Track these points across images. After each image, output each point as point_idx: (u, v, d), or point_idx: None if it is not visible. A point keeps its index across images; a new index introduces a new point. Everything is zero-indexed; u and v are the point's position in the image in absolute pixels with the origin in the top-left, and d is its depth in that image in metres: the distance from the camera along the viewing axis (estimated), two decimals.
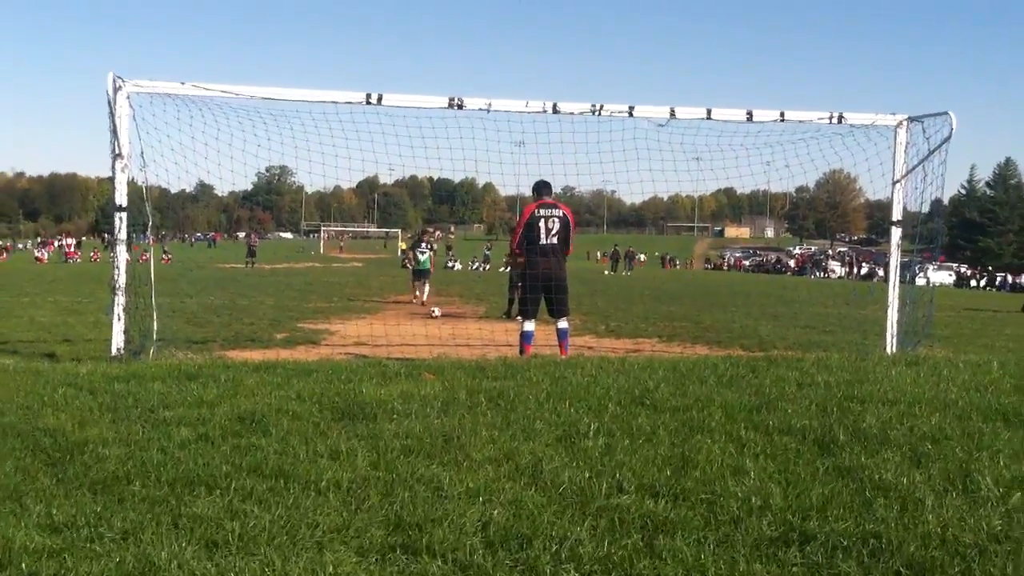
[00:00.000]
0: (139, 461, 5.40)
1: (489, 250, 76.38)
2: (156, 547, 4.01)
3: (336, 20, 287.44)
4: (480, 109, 11.71)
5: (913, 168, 12.72)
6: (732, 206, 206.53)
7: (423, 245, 26.02)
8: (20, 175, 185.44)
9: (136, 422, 6.48)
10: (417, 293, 25.18)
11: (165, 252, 66.70)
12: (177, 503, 4.63)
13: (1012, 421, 6.68)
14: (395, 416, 6.67)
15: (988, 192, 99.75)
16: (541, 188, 12.13)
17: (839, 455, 5.65)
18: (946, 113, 12.14)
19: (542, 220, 11.81)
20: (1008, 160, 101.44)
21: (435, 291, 22.25)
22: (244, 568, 3.79)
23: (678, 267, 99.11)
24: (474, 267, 68.42)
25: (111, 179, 11.23)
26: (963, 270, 76.45)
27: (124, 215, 11.08)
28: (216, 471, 5.16)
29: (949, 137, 12.11)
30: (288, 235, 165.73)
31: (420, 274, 25.49)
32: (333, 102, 11.54)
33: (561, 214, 11.92)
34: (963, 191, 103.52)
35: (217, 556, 3.97)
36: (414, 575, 3.82)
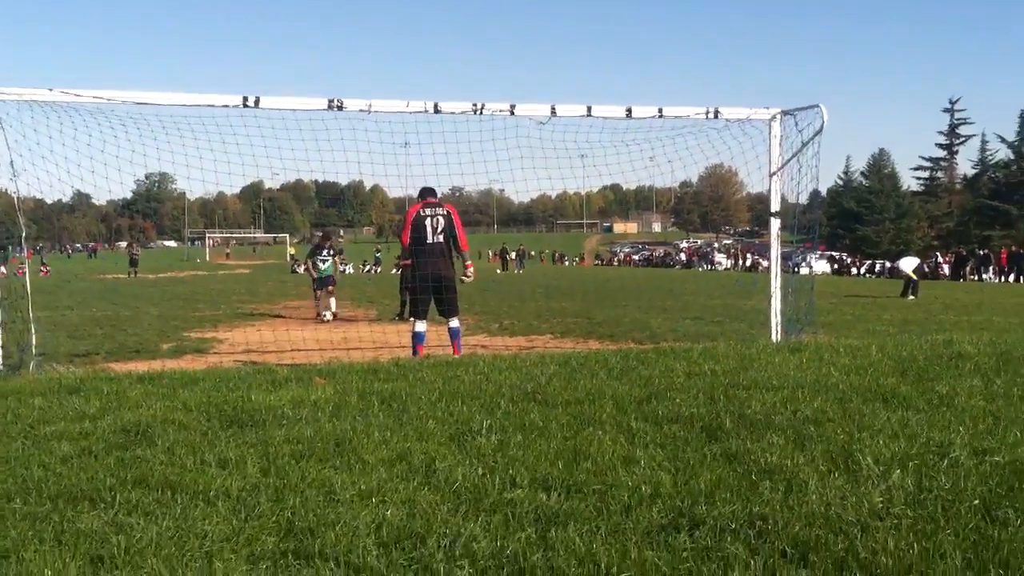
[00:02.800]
0: (19, 478, 5.22)
1: (379, 252, 75.96)
2: (39, 564, 3.88)
3: (212, 22, 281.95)
4: (361, 110, 11.63)
5: (788, 160, 13.06)
6: (619, 202, 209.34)
7: (324, 252, 22.88)
8: None
9: (16, 439, 6.27)
10: (322, 307, 22.04)
11: (43, 264, 64.69)
12: (60, 519, 4.49)
13: (891, 402, 6.91)
14: (285, 422, 6.58)
15: (864, 182, 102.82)
16: (424, 192, 12.19)
17: (726, 441, 5.78)
18: (817, 106, 12.49)
19: (427, 219, 11.82)
20: (882, 151, 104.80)
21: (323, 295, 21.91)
22: None
23: (569, 264, 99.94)
24: (365, 270, 67.94)
25: None
26: (844, 257, 78.68)
27: None
28: (100, 485, 5.02)
29: (821, 129, 12.45)
30: (172, 243, 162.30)
31: (323, 282, 22.35)
32: (210, 105, 11.32)
33: (445, 212, 11.94)
34: (840, 182, 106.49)
35: (102, 571, 3.87)
36: None
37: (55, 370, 10.39)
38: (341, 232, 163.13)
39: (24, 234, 11.28)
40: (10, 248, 11.59)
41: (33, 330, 10.99)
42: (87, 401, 7.51)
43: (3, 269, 10.28)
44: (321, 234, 25.20)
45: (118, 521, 4.45)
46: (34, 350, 10.94)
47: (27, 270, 11.70)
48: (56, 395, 7.87)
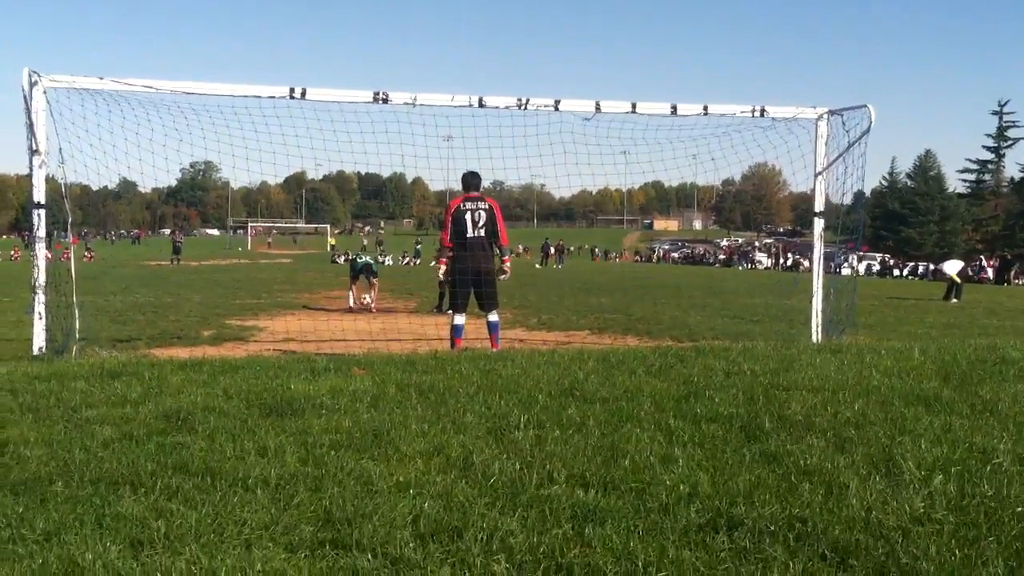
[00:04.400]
0: (61, 461, 5.29)
1: (419, 244, 76.17)
2: (80, 547, 3.93)
3: (261, 14, 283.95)
4: (406, 103, 11.66)
5: (834, 160, 12.95)
6: (660, 199, 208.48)
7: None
8: None
9: (58, 422, 6.35)
10: (359, 295, 22.22)
11: (88, 250, 65.47)
12: (101, 503, 4.54)
13: (933, 406, 6.82)
14: (324, 412, 6.62)
15: (909, 184, 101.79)
16: (468, 180, 12.14)
17: (765, 442, 5.73)
18: (865, 106, 12.36)
19: (468, 213, 11.82)
20: (928, 152, 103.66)
21: (364, 285, 21.99)
22: (170, 567, 3.73)
23: (613, 260, 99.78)
24: (404, 261, 68.19)
25: (29, 176, 10.99)
26: (887, 259, 77.93)
27: (43, 212, 10.85)
28: (141, 470, 5.07)
29: (868, 129, 12.32)
30: (215, 232, 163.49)
31: (366, 272, 22.21)
32: (256, 96, 11.38)
33: (487, 206, 11.93)
34: (885, 183, 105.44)
35: (143, 555, 3.90)
36: (344, 570, 3.79)
37: (98, 354, 10.51)
38: (382, 224, 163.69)
39: (70, 220, 11.40)
40: (56, 233, 11.69)
41: (77, 315, 11.12)
42: (129, 386, 7.59)
43: (49, 254, 10.37)
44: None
45: (158, 506, 4.49)
46: (77, 334, 11.07)
47: (72, 255, 11.83)
48: (98, 379, 7.96)
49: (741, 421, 6.28)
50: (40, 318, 10.81)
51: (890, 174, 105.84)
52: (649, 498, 4.61)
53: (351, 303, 21.70)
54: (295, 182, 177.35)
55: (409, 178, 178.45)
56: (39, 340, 10.79)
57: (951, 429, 6.04)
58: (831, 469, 5.06)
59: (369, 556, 3.90)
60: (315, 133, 12.33)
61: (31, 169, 10.81)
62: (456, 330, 11.92)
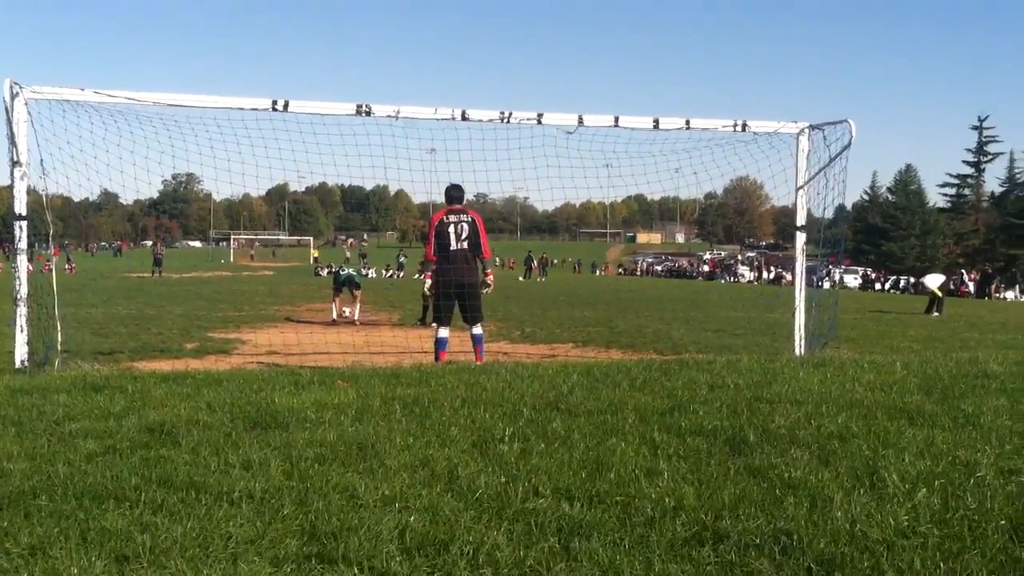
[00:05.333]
0: (45, 475, 5.26)
1: (403, 257, 76.13)
2: (65, 562, 3.91)
3: (243, 26, 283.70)
4: (389, 116, 11.66)
5: (815, 175, 13.00)
6: (643, 212, 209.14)
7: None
8: None
9: (41, 435, 6.31)
10: (341, 308, 22.25)
11: (69, 261, 65.15)
12: (85, 517, 4.51)
13: (916, 419, 6.86)
14: (308, 425, 6.60)
15: (890, 198, 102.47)
16: (451, 193, 12.16)
17: (750, 455, 5.75)
18: (846, 121, 12.43)
19: (451, 226, 11.85)
20: (908, 167, 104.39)
21: (347, 297, 21.96)
22: None
23: (599, 273, 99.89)
24: (388, 274, 68.11)
25: (10, 187, 10.93)
26: (868, 273, 78.34)
27: (24, 224, 10.79)
28: (125, 483, 5.05)
29: (849, 144, 12.39)
30: (197, 244, 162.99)
31: (350, 284, 22.36)
32: (239, 108, 11.36)
33: (469, 219, 11.96)
34: (866, 197, 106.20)
35: (128, 570, 3.89)
36: None
37: (80, 367, 10.44)
38: (365, 236, 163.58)
39: (51, 231, 11.34)
40: (37, 245, 11.63)
41: (59, 327, 11.05)
42: (112, 399, 7.56)
43: (30, 266, 10.31)
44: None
45: (143, 520, 4.47)
46: (59, 347, 11.00)
47: (53, 267, 11.77)
48: (81, 392, 7.92)
49: (725, 434, 6.29)
50: (21, 331, 10.73)
51: (871, 188, 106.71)
52: (635, 512, 4.62)
53: (334, 316, 21.68)
54: (278, 194, 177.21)
55: (392, 191, 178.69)
56: (20, 353, 10.72)
57: (934, 442, 6.06)
58: (816, 482, 5.08)
59: (355, 570, 3.90)
60: (298, 145, 12.30)
61: (12, 180, 10.74)
62: (440, 343, 11.91)
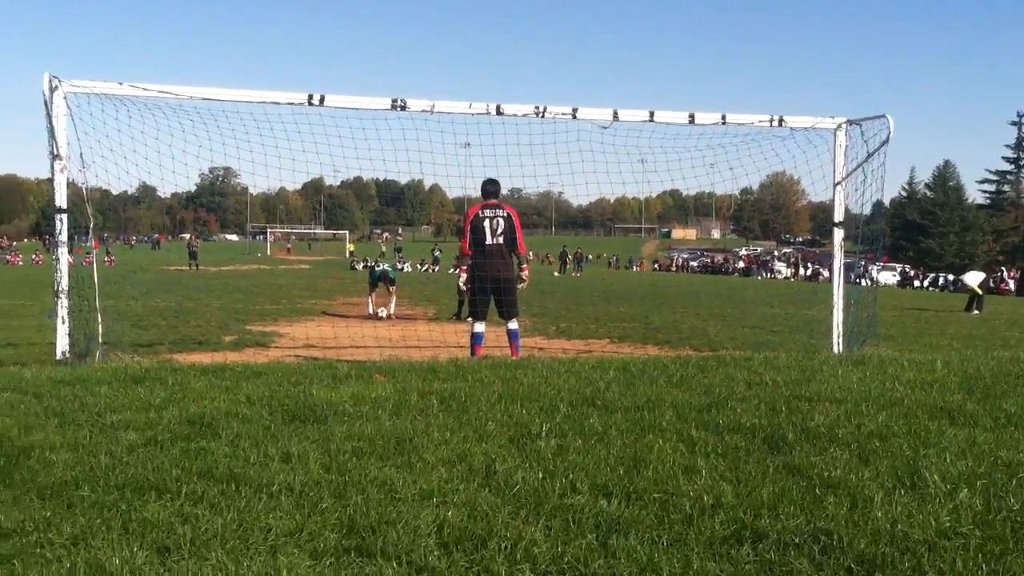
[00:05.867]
0: (87, 466, 5.32)
1: (438, 251, 76.29)
2: (107, 552, 3.95)
3: (279, 20, 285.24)
4: (423, 111, 11.70)
5: (853, 170, 12.91)
6: (678, 207, 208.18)
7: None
8: None
9: (83, 426, 6.38)
10: (377, 305, 21.99)
11: (108, 254, 65.78)
12: (127, 508, 4.56)
13: (957, 419, 6.78)
14: (346, 418, 6.63)
15: (928, 194, 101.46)
16: (487, 188, 12.16)
17: (788, 453, 5.71)
18: (884, 116, 12.33)
19: (486, 221, 11.85)
20: (947, 162, 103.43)
21: (383, 291, 22.02)
22: (197, 572, 3.75)
23: (635, 268, 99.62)
24: (423, 269, 68.27)
25: (51, 180, 11.06)
26: (907, 270, 77.59)
27: (64, 217, 10.91)
28: (166, 475, 5.10)
29: (887, 140, 12.29)
30: (234, 237, 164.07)
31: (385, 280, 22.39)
32: (275, 103, 11.47)
33: (505, 214, 11.95)
34: (904, 193, 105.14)
35: (169, 561, 3.93)
36: None
37: (120, 359, 10.56)
38: (400, 230, 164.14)
39: (92, 224, 11.46)
40: (77, 238, 11.77)
41: (99, 319, 11.17)
42: (152, 391, 7.63)
43: (71, 258, 10.43)
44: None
45: (184, 512, 4.51)
46: (100, 339, 11.12)
47: (94, 260, 11.91)
48: (122, 384, 8.00)
49: (764, 432, 6.26)
50: (63, 322, 10.87)
51: (909, 184, 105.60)
52: (673, 509, 4.61)
53: (370, 310, 21.74)
54: (313, 188, 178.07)
55: (427, 185, 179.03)
56: (62, 344, 10.86)
57: (975, 442, 6.00)
58: (856, 482, 5.04)
59: (393, 564, 3.91)
60: (333, 140, 12.37)
61: (52, 174, 10.88)
62: (476, 338, 11.93)
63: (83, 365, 9.91)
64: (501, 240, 11.88)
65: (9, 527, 4.30)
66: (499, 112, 11.83)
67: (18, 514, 4.48)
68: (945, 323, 23.99)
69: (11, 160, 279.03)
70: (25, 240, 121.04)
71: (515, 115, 11.94)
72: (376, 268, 23.20)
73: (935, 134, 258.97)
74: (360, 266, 59.14)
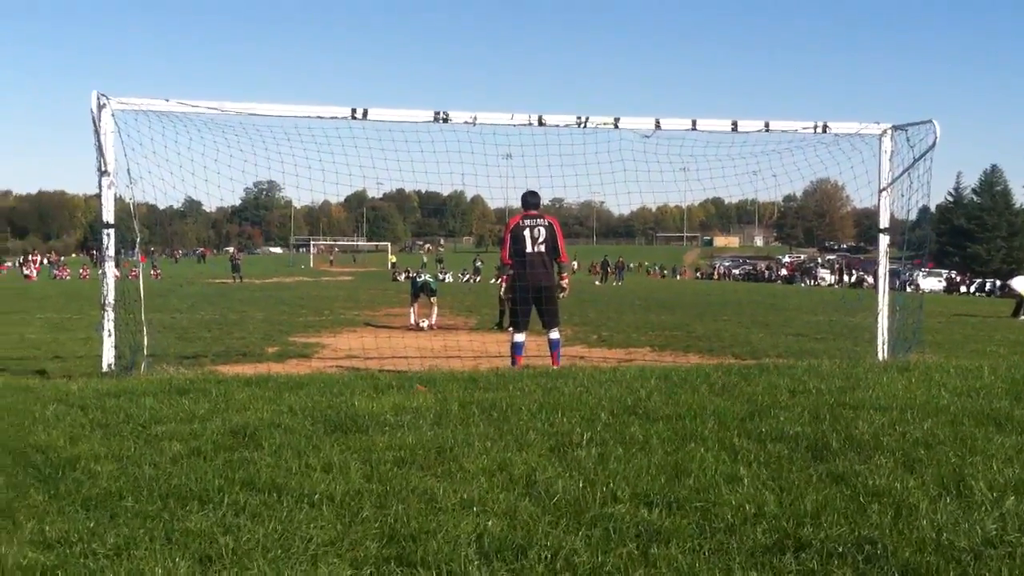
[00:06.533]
0: (131, 476, 5.38)
1: (480, 262, 76.37)
2: (150, 563, 3.99)
3: (322, 34, 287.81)
4: (466, 123, 11.74)
5: (899, 176, 12.77)
6: (720, 216, 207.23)
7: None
8: (7, 194, 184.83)
9: (128, 438, 6.46)
10: (420, 316, 21.89)
11: (154, 268, 66.51)
12: (170, 518, 4.60)
13: (1004, 426, 6.69)
14: (388, 428, 6.66)
15: (975, 199, 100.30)
16: (527, 199, 12.17)
17: (832, 462, 5.66)
18: (930, 121, 12.19)
19: (527, 230, 11.86)
20: (994, 167, 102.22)
21: (424, 302, 22.08)
22: None
23: (677, 277, 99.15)
24: (464, 279, 68.39)
25: (98, 196, 11.21)
26: (953, 275, 76.63)
27: (112, 232, 11.05)
28: (209, 485, 5.14)
29: (934, 145, 12.15)
30: (278, 250, 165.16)
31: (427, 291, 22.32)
32: (319, 117, 11.55)
33: (546, 223, 11.97)
34: (950, 198, 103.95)
35: (211, 571, 3.96)
36: None
37: (165, 371, 10.67)
38: (441, 241, 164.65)
39: (138, 239, 11.59)
40: (124, 252, 11.91)
41: (145, 332, 11.29)
42: (196, 402, 7.71)
43: (117, 273, 10.56)
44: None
45: (226, 522, 4.55)
46: (145, 351, 11.24)
47: (140, 274, 12.04)
48: (166, 396, 8.09)
49: (807, 440, 6.20)
50: (109, 335, 11.00)
51: (955, 190, 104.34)
52: (714, 518, 4.58)
53: (412, 320, 21.79)
54: (356, 200, 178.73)
55: (469, 196, 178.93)
56: (108, 357, 10.99)
57: (1023, 449, 5.91)
58: (900, 490, 4.98)
59: (434, 573, 3.92)
60: (376, 152, 12.42)
61: (100, 189, 11.02)
62: (516, 347, 11.93)
63: (128, 377, 10.03)
64: (543, 248, 11.87)
65: (54, 537, 4.36)
66: (541, 123, 11.84)
67: (63, 524, 4.53)
68: (992, 329, 23.64)
69: (60, 177, 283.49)
70: (73, 255, 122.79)
71: (557, 125, 11.95)
72: (418, 279, 23.29)
73: (982, 139, 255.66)
74: (402, 277, 59.34)
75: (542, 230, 11.90)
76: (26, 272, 74.87)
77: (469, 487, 5.14)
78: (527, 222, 11.94)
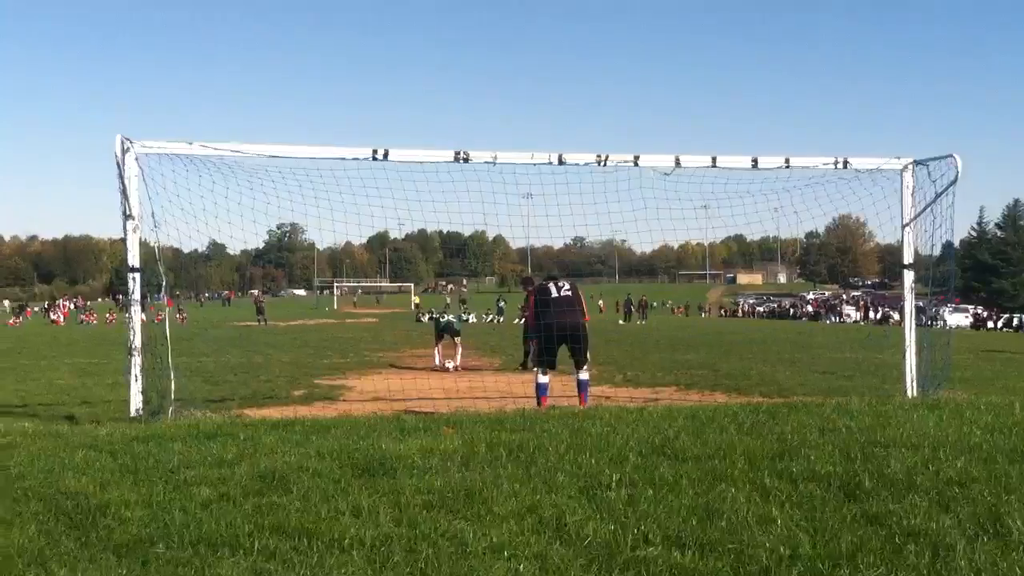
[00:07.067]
0: (161, 522, 5.39)
1: (503, 302, 76.35)
2: None
3: (342, 77, 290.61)
4: (486, 162, 11.80)
5: (921, 212, 12.71)
6: (743, 253, 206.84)
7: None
8: (33, 239, 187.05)
9: (157, 483, 6.47)
10: (445, 357, 21.91)
11: (180, 311, 66.81)
12: (201, 564, 4.60)
13: None
14: (415, 471, 6.64)
15: (999, 233, 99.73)
16: (550, 274, 12.74)
17: (866, 501, 5.60)
18: (951, 155, 12.15)
19: (552, 284, 12.27)
20: (1016, 201, 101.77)
21: (448, 343, 22.08)
22: None
23: (703, 315, 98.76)
24: (488, 319, 68.35)
25: (123, 240, 11.30)
26: (980, 311, 76.02)
27: (138, 276, 11.13)
28: (239, 531, 5.14)
29: (956, 180, 12.10)
30: (301, 292, 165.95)
31: (450, 331, 22.42)
32: (340, 158, 11.66)
33: (569, 284, 12.59)
34: (973, 233, 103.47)
35: None
36: None
37: (193, 415, 10.69)
38: (464, 282, 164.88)
39: (164, 283, 11.65)
40: (150, 296, 11.98)
41: (172, 376, 11.33)
42: (224, 447, 7.72)
43: (143, 317, 10.63)
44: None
45: (257, 567, 4.54)
46: (173, 396, 11.27)
47: (166, 317, 12.10)
48: (195, 440, 8.11)
49: (839, 480, 6.14)
50: (136, 380, 11.05)
51: (979, 224, 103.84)
52: (748, 560, 4.53)
53: (437, 362, 21.79)
54: (378, 241, 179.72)
55: (490, 236, 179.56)
56: (136, 402, 11.03)
57: None
58: (936, 529, 4.92)
59: None
60: (397, 193, 12.50)
61: (125, 233, 11.11)
62: (541, 388, 11.93)
63: (156, 422, 10.06)
64: (569, 294, 12.18)
65: None
66: (561, 161, 11.89)
67: (95, 572, 4.54)
68: (1021, 365, 23.40)
69: (85, 221, 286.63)
70: (99, 300, 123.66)
71: (577, 164, 12.00)
72: (442, 320, 23.29)
73: (1004, 172, 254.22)
74: (426, 318, 59.39)
75: (566, 283, 12.42)
76: (53, 317, 75.31)
77: (499, 530, 5.11)
78: (549, 283, 12.39)
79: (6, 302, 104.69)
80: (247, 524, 5.28)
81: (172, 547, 4.91)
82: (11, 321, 67.24)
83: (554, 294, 12.12)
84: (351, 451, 7.40)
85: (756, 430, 8.21)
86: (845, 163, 12.52)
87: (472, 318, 64.95)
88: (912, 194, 12.78)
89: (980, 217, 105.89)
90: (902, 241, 13.03)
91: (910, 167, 12.78)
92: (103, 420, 10.91)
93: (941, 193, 12.38)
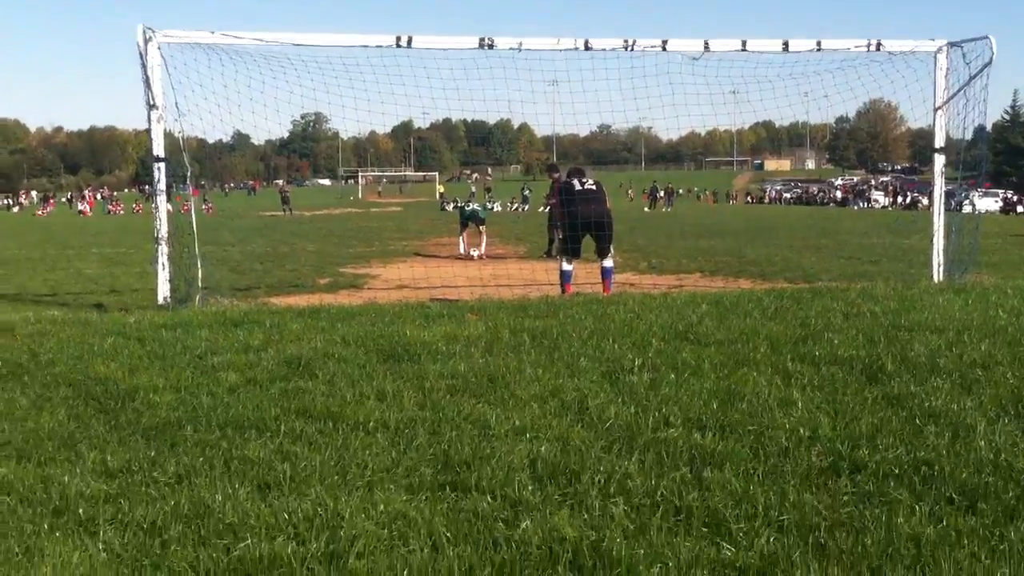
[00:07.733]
0: (190, 406, 5.48)
1: (528, 191, 76.10)
2: (210, 490, 4.07)
3: None
4: (511, 48, 11.61)
5: (954, 94, 12.48)
6: (771, 139, 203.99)
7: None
8: (59, 130, 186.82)
9: (185, 368, 6.56)
10: (470, 245, 22.06)
11: (206, 201, 66.97)
12: (228, 446, 4.69)
13: None
14: (439, 357, 6.70)
15: None
16: (571, 172, 12.68)
17: (887, 384, 5.61)
18: (986, 37, 11.88)
19: (576, 180, 12.25)
20: None
21: (473, 231, 22.07)
22: (297, 508, 3.84)
23: (731, 203, 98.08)
24: (513, 207, 68.23)
25: (148, 130, 11.28)
26: (1010, 195, 75.07)
27: (163, 166, 11.15)
28: (265, 414, 5.23)
29: (990, 62, 11.87)
30: (326, 182, 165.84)
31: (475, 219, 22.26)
32: (364, 46, 11.49)
33: (594, 180, 12.55)
34: (1007, 117, 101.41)
35: (270, 497, 4.03)
36: (465, 512, 3.84)
37: (219, 303, 10.80)
38: (489, 170, 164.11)
39: (189, 172, 11.67)
40: (175, 186, 12.01)
41: (199, 265, 11.42)
42: (251, 334, 7.80)
43: (169, 206, 10.68)
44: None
45: (283, 449, 4.62)
46: (200, 284, 11.38)
47: (192, 208, 12.14)
48: (221, 327, 8.20)
49: (862, 363, 6.15)
50: (163, 269, 11.15)
51: (1012, 107, 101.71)
52: (768, 441, 4.57)
53: (461, 250, 21.83)
54: (403, 131, 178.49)
55: (515, 124, 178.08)
56: (163, 290, 11.14)
57: None
58: (957, 411, 4.94)
59: (488, 498, 3.95)
60: (422, 81, 12.40)
61: (149, 123, 11.09)
62: (566, 276, 11.94)
63: (184, 309, 10.16)
64: (593, 187, 12.14)
65: (116, 467, 4.46)
66: (587, 47, 11.70)
67: (124, 454, 4.64)
68: None
69: (111, 112, 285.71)
70: (126, 190, 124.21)
71: (603, 49, 11.80)
72: (466, 208, 23.24)
73: None
74: (451, 207, 59.33)
75: (590, 179, 12.47)
76: (80, 207, 75.72)
77: (521, 413, 5.17)
78: (573, 179, 12.46)
79: (33, 193, 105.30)
80: (273, 408, 5.37)
81: (200, 430, 5.00)
82: (39, 211, 67.74)
83: (579, 187, 12.10)
84: (376, 337, 7.46)
85: (780, 315, 8.21)
86: (878, 45, 12.25)
87: (497, 206, 64.85)
88: (946, 76, 12.53)
89: (1014, 100, 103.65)
90: (933, 125, 12.82)
91: (944, 49, 12.49)
92: (131, 308, 11.04)
93: (975, 75, 12.15)
